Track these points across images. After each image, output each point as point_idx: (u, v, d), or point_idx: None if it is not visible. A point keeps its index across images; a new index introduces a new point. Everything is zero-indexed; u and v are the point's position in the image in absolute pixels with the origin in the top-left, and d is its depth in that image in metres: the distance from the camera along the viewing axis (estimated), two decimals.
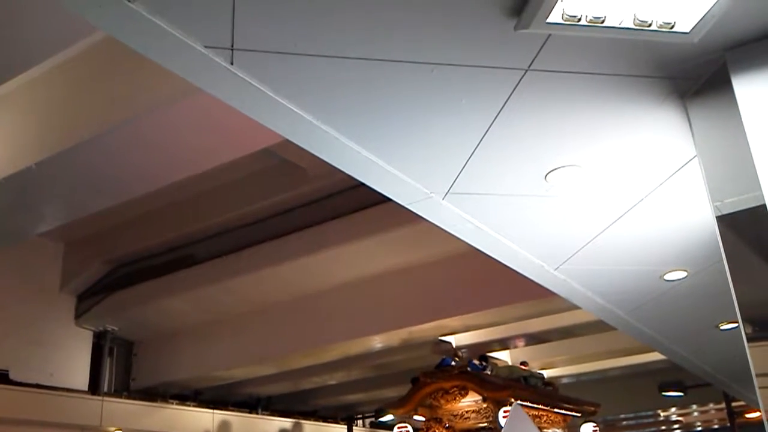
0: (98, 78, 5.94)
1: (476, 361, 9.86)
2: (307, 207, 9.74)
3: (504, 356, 13.56)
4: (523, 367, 10.53)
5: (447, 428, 9.36)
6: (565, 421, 9.87)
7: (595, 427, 9.68)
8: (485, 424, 8.88)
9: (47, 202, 7.05)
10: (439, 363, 9.93)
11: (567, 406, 9.86)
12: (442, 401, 9.30)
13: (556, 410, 9.68)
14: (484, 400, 9.01)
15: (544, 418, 9.46)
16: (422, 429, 9.50)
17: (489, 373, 9.68)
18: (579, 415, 10.10)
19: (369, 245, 9.41)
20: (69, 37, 5.88)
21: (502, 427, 8.17)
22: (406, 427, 9.60)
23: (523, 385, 9.61)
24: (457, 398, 9.24)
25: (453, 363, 9.66)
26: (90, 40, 5.83)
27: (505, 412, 8.40)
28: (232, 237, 10.38)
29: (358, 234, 9.29)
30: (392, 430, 16.32)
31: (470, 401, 9.18)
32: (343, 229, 9.38)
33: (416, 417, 9.83)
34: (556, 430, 9.64)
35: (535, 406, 9.28)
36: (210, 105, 5.16)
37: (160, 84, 5.41)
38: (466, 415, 9.28)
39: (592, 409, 10.28)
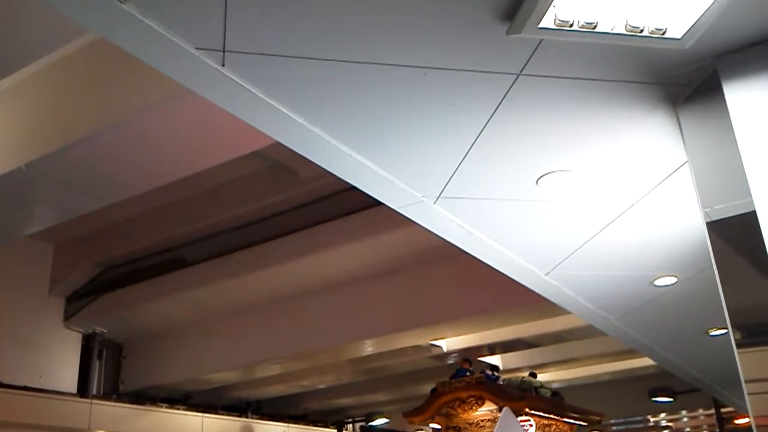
0: (89, 78, 5.91)
1: (489, 372, 10.16)
2: (298, 210, 9.71)
3: (495, 360, 13.57)
4: (532, 378, 10.79)
5: None
6: (572, 429, 10.22)
7: None
8: None
9: (37, 203, 7.02)
10: (454, 373, 10.22)
11: (574, 415, 10.23)
12: (459, 410, 9.64)
13: (565, 420, 10.03)
14: (500, 409, 9.16)
15: (554, 427, 9.79)
16: None
17: (502, 383, 10.01)
18: (585, 424, 10.44)
19: (360, 248, 9.40)
20: (60, 38, 5.85)
21: None
22: None
23: (536, 396, 9.95)
24: (474, 407, 9.60)
25: (467, 373, 9.95)
26: (81, 40, 5.81)
27: (521, 421, 8.81)
28: (223, 239, 10.35)
29: (349, 237, 9.28)
30: None
31: (486, 410, 9.52)
32: (334, 232, 9.37)
33: (432, 425, 10.17)
34: None
35: (546, 415, 9.63)
36: (202, 106, 5.13)
37: (152, 85, 5.40)
38: (481, 424, 9.65)
39: (597, 418, 10.67)
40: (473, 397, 9.48)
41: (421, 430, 9.99)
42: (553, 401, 10.30)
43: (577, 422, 10.33)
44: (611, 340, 8.84)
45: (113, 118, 5.75)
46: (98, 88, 5.84)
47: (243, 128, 3.74)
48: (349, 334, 10.53)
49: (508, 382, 10.36)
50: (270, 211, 9.80)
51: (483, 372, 10.10)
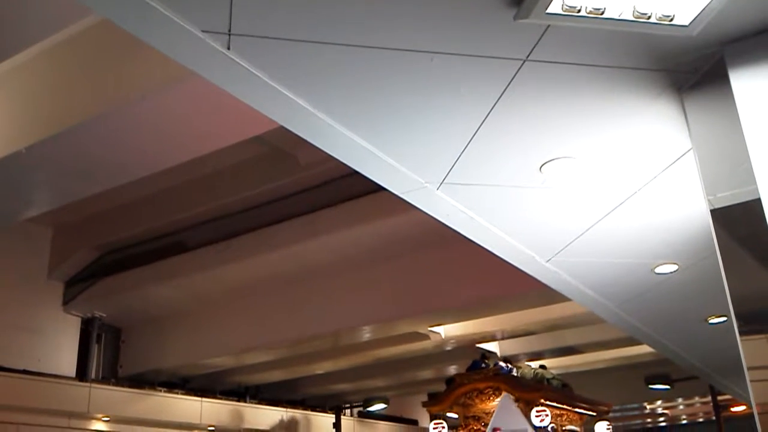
0: (90, 62, 5.89)
1: (502, 364, 10.48)
2: (298, 195, 9.71)
3: (493, 347, 13.63)
4: (543, 370, 11.06)
5: (484, 426, 9.93)
6: (581, 419, 10.53)
7: (608, 425, 10.19)
8: None
9: (37, 186, 7.00)
10: (470, 365, 10.58)
11: (584, 405, 10.57)
12: (477, 400, 9.97)
13: (576, 410, 10.39)
14: (516, 400, 9.63)
15: (565, 416, 10.10)
16: (461, 426, 10.13)
17: (515, 375, 10.31)
18: (594, 414, 10.75)
19: (359, 234, 9.40)
20: (61, 20, 5.82)
21: (534, 426, 9.03)
22: (441, 423, 10.16)
23: (551, 387, 10.29)
24: (491, 398, 9.92)
25: (483, 366, 10.33)
26: (82, 24, 5.78)
27: (537, 411, 9.17)
28: (222, 224, 10.35)
29: (349, 223, 9.27)
30: (380, 419, 16.51)
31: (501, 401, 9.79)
32: (334, 218, 9.36)
33: (449, 414, 10.45)
34: (574, 427, 10.23)
35: (560, 406, 9.93)
36: (203, 90, 5.14)
37: (152, 69, 5.37)
38: None
39: (606, 408, 10.98)
40: (490, 387, 9.81)
41: (440, 420, 10.14)
42: (566, 392, 10.62)
43: (587, 412, 10.64)
44: (609, 328, 8.86)
45: (114, 102, 5.73)
46: (99, 71, 5.82)
47: (244, 113, 3.73)
48: (347, 319, 10.55)
49: (521, 373, 10.64)
50: (270, 196, 9.79)
51: (497, 364, 10.41)
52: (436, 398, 10.55)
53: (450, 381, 10.62)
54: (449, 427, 10.12)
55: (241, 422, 13.42)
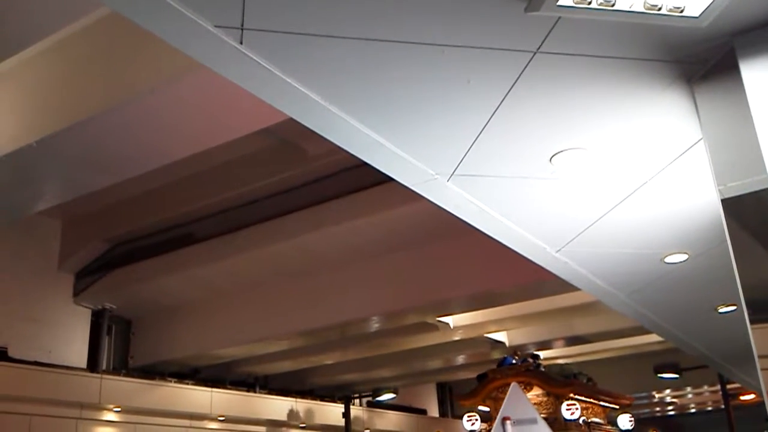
0: (100, 56, 5.90)
1: (531, 360, 10.79)
2: (306, 187, 9.73)
3: (501, 337, 13.66)
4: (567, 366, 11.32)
5: None
6: (604, 412, 10.86)
7: (631, 418, 10.53)
8: (545, 416, 9.68)
9: (47, 179, 7.03)
10: (501, 361, 10.95)
11: (608, 399, 10.89)
12: None
13: (601, 403, 10.72)
14: (547, 394, 9.98)
15: (590, 410, 10.40)
16: (494, 418, 10.25)
17: (543, 370, 10.62)
18: (617, 407, 11.06)
19: (367, 226, 9.42)
20: (70, 15, 5.84)
21: (565, 419, 9.34)
22: (474, 415, 10.40)
23: (579, 382, 10.65)
24: (523, 392, 10.04)
25: (513, 361, 10.69)
26: (91, 17, 5.79)
27: (568, 405, 9.49)
28: (231, 216, 10.38)
29: (357, 214, 9.30)
30: (389, 409, 16.59)
31: (532, 395, 10.14)
32: (342, 209, 9.39)
33: (481, 407, 10.80)
34: (599, 420, 10.50)
35: (587, 399, 10.25)
36: (213, 84, 5.15)
37: (162, 62, 5.39)
38: None
39: (627, 402, 11.30)
40: (522, 383, 10.02)
41: (473, 413, 10.33)
42: (592, 387, 10.94)
43: (611, 405, 10.93)
44: (618, 317, 8.89)
45: (123, 95, 5.74)
46: (108, 65, 5.84)
47: (252, 105, 3.75)
48: (356, 310, 10.59)
49: (548, 369, 10.90)
50: (278, 188, 9.82)
51: (525, 360, 10.72)
52: (470, 392, 10.87)
53: (483, 376, 10.91)
54: (481, 420, 10.34)
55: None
